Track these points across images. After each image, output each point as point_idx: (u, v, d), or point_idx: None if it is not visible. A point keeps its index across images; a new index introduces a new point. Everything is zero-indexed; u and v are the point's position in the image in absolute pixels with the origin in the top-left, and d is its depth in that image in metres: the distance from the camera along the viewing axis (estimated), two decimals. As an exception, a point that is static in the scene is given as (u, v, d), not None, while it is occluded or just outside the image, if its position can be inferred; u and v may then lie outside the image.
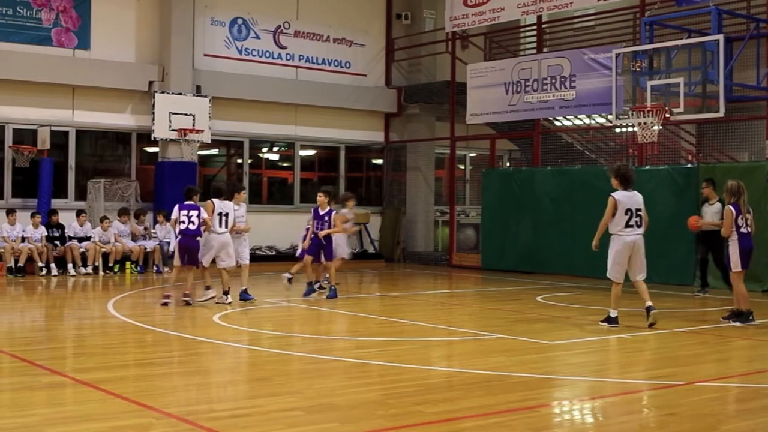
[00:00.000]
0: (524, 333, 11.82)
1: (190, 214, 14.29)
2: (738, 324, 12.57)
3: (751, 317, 12.73)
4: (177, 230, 14.45)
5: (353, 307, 15.33)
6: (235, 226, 14.80)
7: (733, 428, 6.99)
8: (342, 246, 17.02)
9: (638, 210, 12.25)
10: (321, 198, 15.71)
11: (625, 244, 12.13)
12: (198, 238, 14.31)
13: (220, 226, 14.52)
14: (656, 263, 18.92)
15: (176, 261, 14.52)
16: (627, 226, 12.13)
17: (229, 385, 8.60)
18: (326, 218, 15.51)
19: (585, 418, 7.57)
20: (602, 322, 12.39)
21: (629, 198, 12.24)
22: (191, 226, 14.26)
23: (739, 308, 12.79)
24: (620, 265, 12.24)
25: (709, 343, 11.50)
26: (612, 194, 12.25)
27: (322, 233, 15.46)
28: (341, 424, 6.99)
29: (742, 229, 12.67)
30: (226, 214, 14.63)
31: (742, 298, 12.78)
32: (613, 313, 12.26)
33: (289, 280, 16.38)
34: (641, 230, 12.25)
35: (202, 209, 14.41)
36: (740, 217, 12.69)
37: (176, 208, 14.54)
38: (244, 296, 14.85)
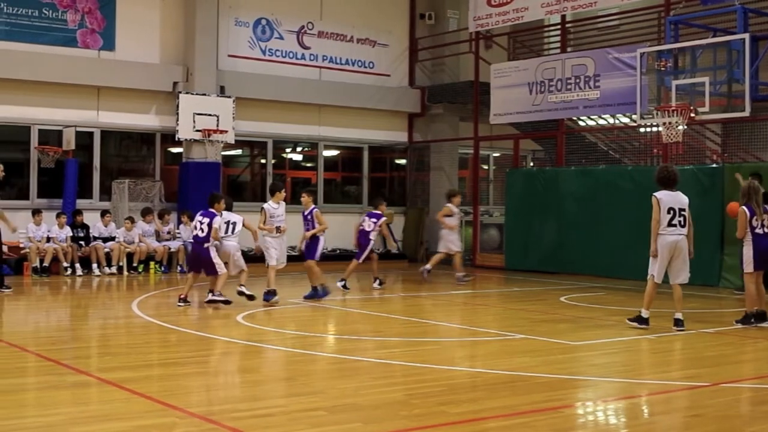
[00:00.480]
0: (548, 333, 11.79)
1: (202, 221, 14.26)
2: (762, 325, 12.43)
3: (752, 320, 12.50)
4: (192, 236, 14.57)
5: (377, 307, 15.34)
6: (266, 227, 14.77)
7: (758, 430, 6.94)
8: (454, 241, 18.87)
9: (681, 210, 12.03)
10: (304, 198, 15.69)
11: (666, 243, 11.92)
12: (206, 245, 14.16)
13: (225, 232, 14.61)
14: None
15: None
16: (669, 225, 11.92)
17: (252, 385, 8.62)
18: (309, 217, 15.49)
19: (609, 419, 7.53)
20: (631, 320, 12.24)
21: (672, 197, 12.04)
22: (200, 234, 14.24)
23: (750, 310, 12.60)
24: (660, 265, 12.00)
25: (734, 344, 11.43)
26: (654, 193, 12.12)
27: (308, 233, 15.43)
28: (364, 424, 6.99)
29: (758, 230, 12.55)
30: (234, 223, 14.79)
31: (750, 299, 12.61)
32: (645, 314, 12.05)
33: (344, 286, 17.28)
34: (685, 230, 12.01)
35: (217, 217, 14.31)
36: (755, 218, 12.59)
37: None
38: (267, 297, 14.79)
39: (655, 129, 19.39)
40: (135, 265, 20.23)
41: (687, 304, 14.51)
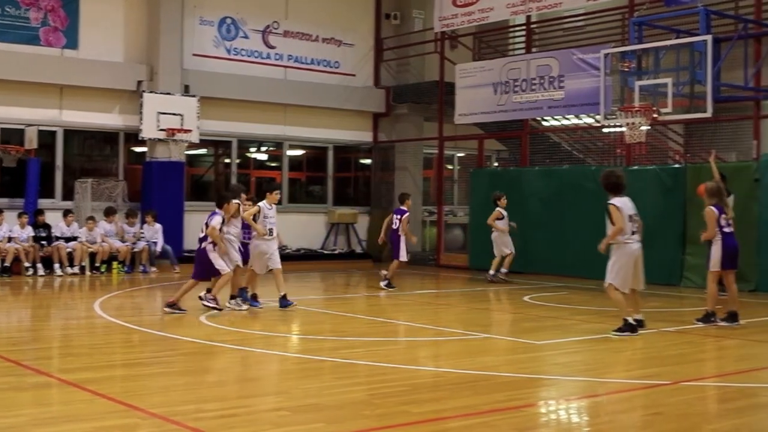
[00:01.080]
0: (511, 333, 11.85)
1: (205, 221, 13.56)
2: (724, 324, 12.55)
3: (712, 318, 12.61)
4: None
5: (341, 307, 15.34)
6: (258, 226, 13.94)
7: (718, 427, 7.01)
8: (507, 243, 19.12)
9: (635, 215, 11.79)
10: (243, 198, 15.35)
11: (631, 252, 11.62)
12: (203, 245, 13.44)
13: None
14: (643, 263, 19.01)
15: None
16: (632, 233, 11.63)
17: (215, 386, 8.59)
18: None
19: (571, 418, 7.58)
20: (618, 332, 11.48)
21: (626, 203, 11.77)
22: (200, 234, 13.63)
23: (711, 309, 12.67)
24: (626, 275, 11.60)
25: (694, 342, 11.53)
26: (611, 202, 11.70)
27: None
28: (327, 424, 6.99)
29: (725, 229, 12.67)
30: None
31: (710, 298, 12.67)
32: (631, 318, 11.59)
33: (388, 284, 17.53)
34: (640, 237, 11.81)
35: (216, 216, 13.42)
36: (722, 217, 12.69)
37: None
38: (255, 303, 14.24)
39: (618, 129, 19.48)
40: (97, 265, 20.10)
41: (649, 303, 14.63)
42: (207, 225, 13.35)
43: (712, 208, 12.66)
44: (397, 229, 17.69)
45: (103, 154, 23.10)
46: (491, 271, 19.27)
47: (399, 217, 17.77)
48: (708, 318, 12.63)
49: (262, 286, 14.62)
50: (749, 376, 9.33)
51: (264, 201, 14.23)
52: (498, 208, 19.31)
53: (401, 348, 10.86)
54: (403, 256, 17.73)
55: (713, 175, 16.37)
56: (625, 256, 11.59)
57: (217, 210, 13.54)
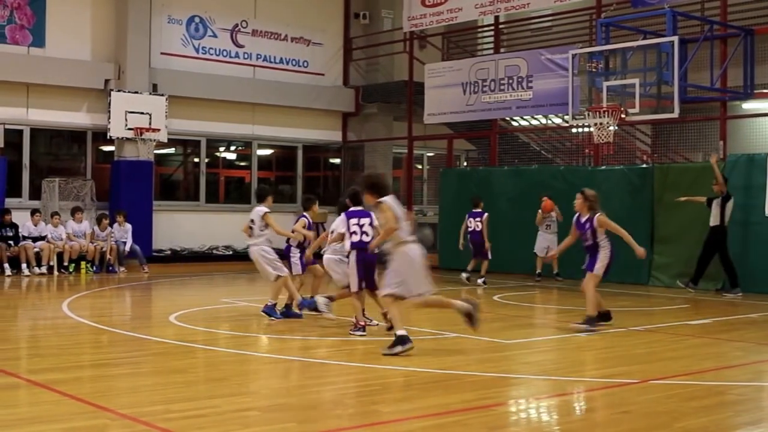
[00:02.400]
0: (481, 332, 11.85)
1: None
2: (584, 327, 12.01)
3: (598, 321, 12.20)
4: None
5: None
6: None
7: (687, 425, 7.06)
8: (553, 243, 18.73)
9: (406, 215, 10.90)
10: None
11: (411, 255, 10.55)
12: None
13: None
14: (612, 262, 19.12)
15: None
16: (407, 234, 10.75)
17: (185, 386, 8.55)
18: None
19: (541, 417, 7.60)
20: (389, 351, 9.93)
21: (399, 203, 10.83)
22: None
23: (601, 311, 12.32)
24: (410, 282, 10.36)
25: (663, 341, 11.60)
26: (384, 199, 10.46)
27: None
28: (298, 423, 6.97)
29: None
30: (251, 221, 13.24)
31: (591, 304, 12.17)
32: (402, 332, 10.10)
33: (468, 279, 18.30)
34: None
35: (303, 218, 13.17)
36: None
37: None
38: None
39: (586, 129, 19.62)
40: (66, 264, 19.96)
41: (618, 302, 14.71)
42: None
43: (601, 215, 12.24)
44: (480, 231, 18.23)
45: (71, 153, 22.95)
46: (539, 271, 19.41)
47: (479, 219, 18.31)
48: (593, 322, 12.10)
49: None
50: (717, 374, 9.41)
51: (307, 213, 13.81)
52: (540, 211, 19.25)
53: (371, 347, 10.85)
54: (489, 255, 18.47)
55: (716, 178, 16.55)
56: (406, 258, 10.49)
57: (304, 213, 13.19)
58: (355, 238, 11.40)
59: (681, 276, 17.81)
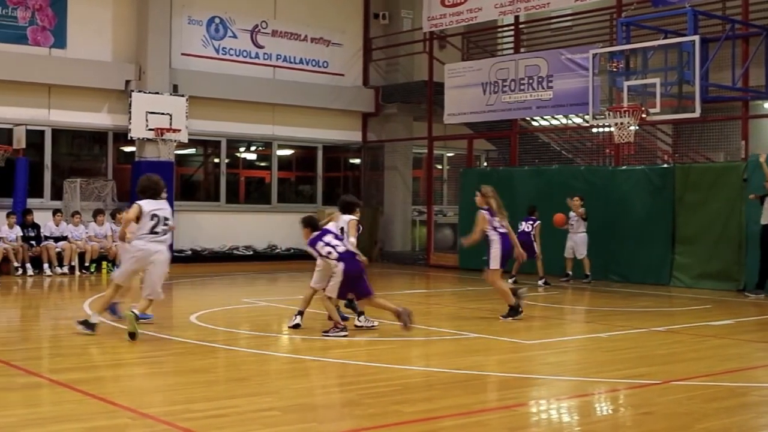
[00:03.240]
0: (502, 332, 11.84)
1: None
2: (510, 319, 12.75)
3: (520, 309, 12.86)
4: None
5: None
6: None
7: (708, 426, 7.02)
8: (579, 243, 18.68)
9: (166, 219, 10.86)
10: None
11: (146, 253, 10.70)
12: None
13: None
14: (633, 263, 19.09)
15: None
16: (151, 232, 10.70)
17: (206, 386, 8.57)
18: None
19: (562, 418, 7.58)
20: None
21: (153, 204, 10.82)
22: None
23: (509, 304, 12.85)
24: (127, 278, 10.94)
25: (684, 342, 11.55)
26: (138, 202, 10.74)
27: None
28: (319, 424, 6.98)
29: (500, 230, 12.96)
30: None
31: (504, 295, 12.90)
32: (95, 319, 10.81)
33: (546, 282, 18.35)
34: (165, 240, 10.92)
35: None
36: (495, 219, 12.95)
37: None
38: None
39: (607, 129, 19.54)
40: (87, 264, 20.05)
41: (639, 303, 14.65)
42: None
43: (483, 211, 12.93)
44: (530, 233, 18.19)
45: (92, 154, 23.06)
46: (587, 272, 18.93)
47: (531, 222, 18.35)
48: (516, 311, 12.82)
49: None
50: (739, 375, 9.36)
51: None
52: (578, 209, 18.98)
53: (392, 348, 10.85)
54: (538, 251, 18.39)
55: (766, 176, 16.44)
56: (137, 256, 10.75)
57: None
58: (342, 249, 11.41)
59: (701, 277, 17.81)
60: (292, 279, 19.77)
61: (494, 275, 12.97)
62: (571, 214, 18.70)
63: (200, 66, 23.42)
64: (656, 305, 15.44)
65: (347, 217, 11.98)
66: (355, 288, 11.51)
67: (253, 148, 25.94)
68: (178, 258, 22.00)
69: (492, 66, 22.32)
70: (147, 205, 10.76)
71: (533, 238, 18.30)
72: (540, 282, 18.33)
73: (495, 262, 12.90)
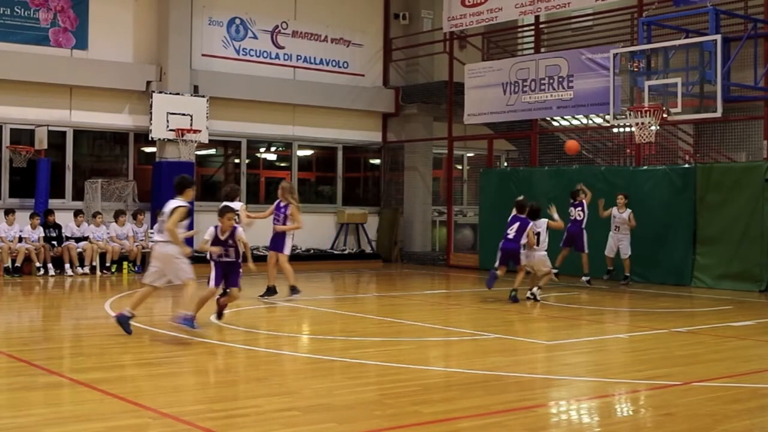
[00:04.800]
0: (522, 333, 11.83)
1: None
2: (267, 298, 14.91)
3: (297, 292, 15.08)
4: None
5: (351, 307, 15.34)
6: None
7: (730, 428, 6.99)
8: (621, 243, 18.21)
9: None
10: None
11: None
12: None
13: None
14: (654, 263, 19.02)
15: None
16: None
17: (226, 385, 8.60)
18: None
19: (582, 418, 7.56)
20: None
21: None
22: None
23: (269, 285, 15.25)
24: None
25: (705, 342, 11.50)
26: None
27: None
28: (338, 424, 6.99)
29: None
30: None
31: (289, 273, 15.25)
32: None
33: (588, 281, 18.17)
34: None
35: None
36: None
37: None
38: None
39: (628, 129, 19.46)
40: (108, 265, 20.13)
41: (660, 303, 14.59)
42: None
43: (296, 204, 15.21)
44: (581, 221, 18.00)
45: (113, 155, 23.15)
46: (627, 273, 18.60)
47: (581, 209, 18.09)
48: (271, 292, 15.25)
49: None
50: (761, 376, 9.31)
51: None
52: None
53: (412, 348, 10.86)
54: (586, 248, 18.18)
55: None
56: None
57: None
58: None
59: (723, 278, 17.75)
60: (311, 279, 19.79)
61: (283, 258, 15.12)
62: (616, 211, 18.31)
63: (221, 67, 23.48)
64: (677, 306, 15.38)
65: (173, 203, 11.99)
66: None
67: (273, 149, 25.98)
68: (199, 258, 22.04)
69: (512, 66, 22.28)
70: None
71: (583, 227, 17.93)
72: (584, 279, 18.14)
73: (288, 248, 15.43)
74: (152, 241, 12.23)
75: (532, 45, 23.60)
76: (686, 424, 7.09)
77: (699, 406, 7.70)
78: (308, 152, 26.13)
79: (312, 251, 24.20)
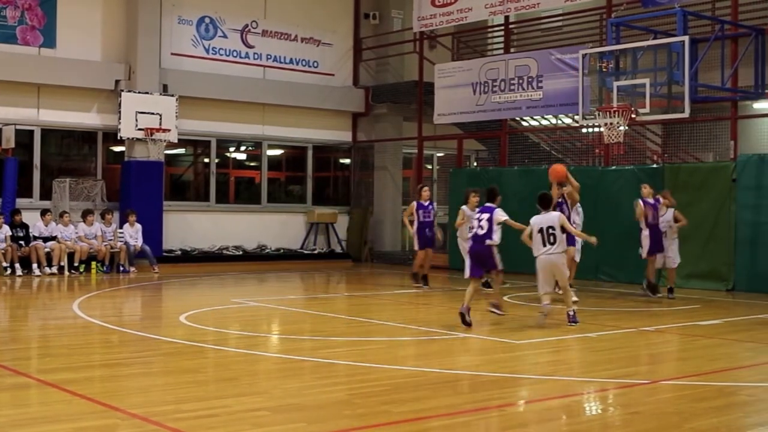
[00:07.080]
0: (491, 332, 11.86)
1: (480, 218, 13.23)
2: None
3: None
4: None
5: (321, 306, 15.32)
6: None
7: (697, 426, 7.04)
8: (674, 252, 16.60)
9: None
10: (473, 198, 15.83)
11: None
12: (487, 242, 13.05)
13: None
14: (622, 263, 19.11)
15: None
16: None
17: (195, 386, 8.56)
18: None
19: (551, 417, 7.60)
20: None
21: None
22: (480, 231, 13.10)
23: None
24: None
25: (673, 342, 11.59)
26: None
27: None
28: (308, 424, 6.98)
29: None
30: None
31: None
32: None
33: None
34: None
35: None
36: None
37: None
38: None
39: (596, 129, 19.57)
40: (76, 264, 20.00)
41: (626, 303, 14.67)
42: (490, 221, 13.15)
43: None
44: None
45: (81, 154, 22.99)
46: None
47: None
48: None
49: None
50: (728, 375, 9.39)
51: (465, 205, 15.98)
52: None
53: (381, 348, 10.87)
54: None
55: None
56: None
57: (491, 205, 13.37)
58: None
59: (690, 277, 17.85)
60: (281, 279, 19.78)
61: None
62: (665, 213, 16.70)
63: (190, 66, 23.38)
64: (645, 305, 15.47)
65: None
66: None
67: (243, 148, 25.90)
68: (168, 258, 22.00)
69: (482, 66, 22.33)
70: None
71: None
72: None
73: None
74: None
75: (501, 45, 23.67)
76: (654, 422, 7.14)
77: (666, 405, 7.75)
78: (278, 152, 26.08)
79: (282, 251, 24.17)
